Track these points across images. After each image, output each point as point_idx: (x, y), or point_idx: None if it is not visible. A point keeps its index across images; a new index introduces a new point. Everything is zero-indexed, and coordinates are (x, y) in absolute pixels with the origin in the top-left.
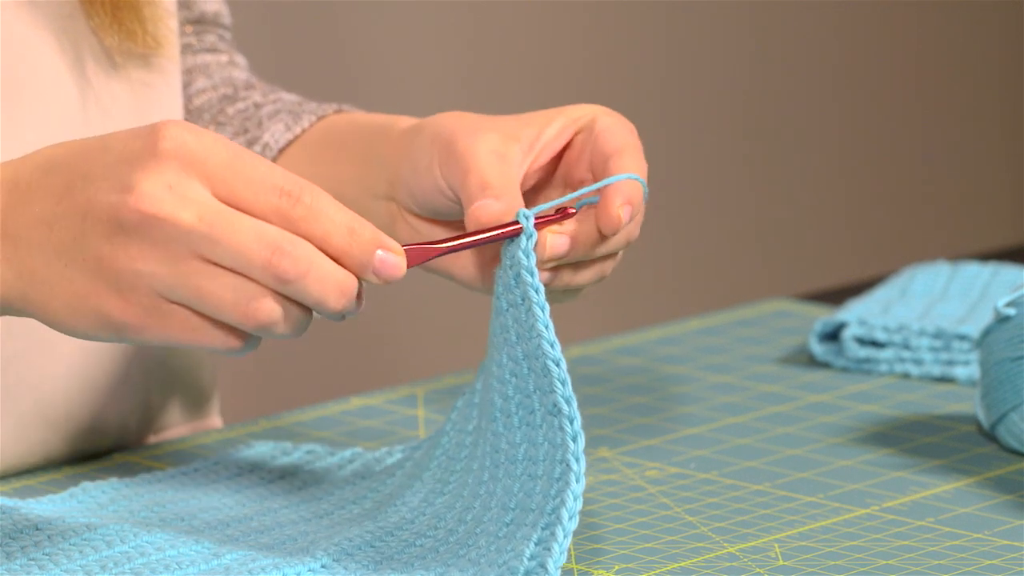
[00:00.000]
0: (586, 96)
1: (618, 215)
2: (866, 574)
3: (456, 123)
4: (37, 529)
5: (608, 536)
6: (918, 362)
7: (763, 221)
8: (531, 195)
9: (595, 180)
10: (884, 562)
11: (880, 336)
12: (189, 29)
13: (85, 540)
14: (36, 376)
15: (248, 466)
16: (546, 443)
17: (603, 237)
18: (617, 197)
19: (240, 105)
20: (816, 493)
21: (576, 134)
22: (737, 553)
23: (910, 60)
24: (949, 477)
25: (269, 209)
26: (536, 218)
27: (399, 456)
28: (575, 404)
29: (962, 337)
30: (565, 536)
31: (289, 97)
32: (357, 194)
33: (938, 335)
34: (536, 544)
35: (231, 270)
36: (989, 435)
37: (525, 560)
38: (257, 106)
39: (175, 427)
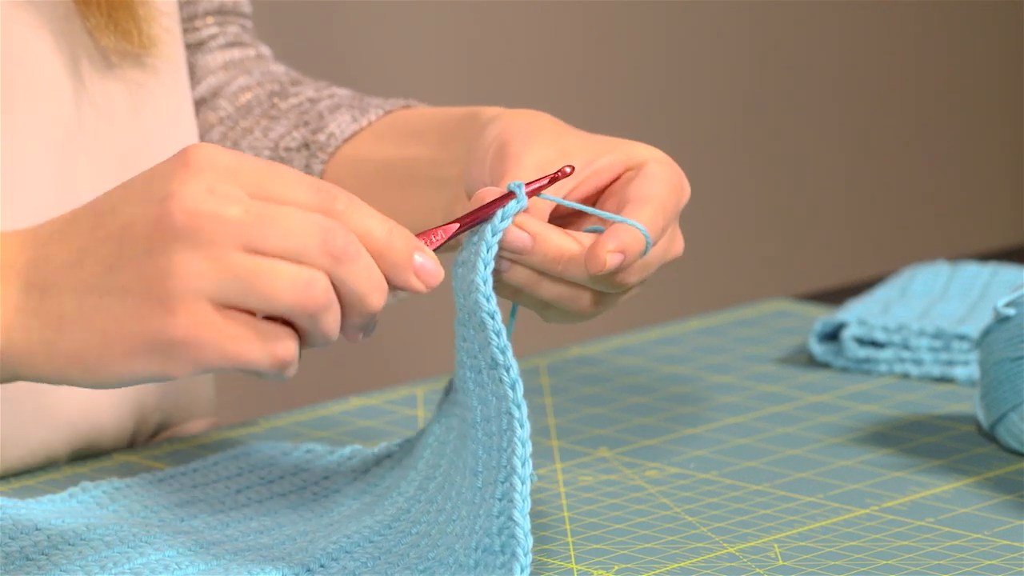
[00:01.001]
0: (586, 96)
1: (604, 259)
2: (866, 574)
3: (520, 126)
4: (37, 529)
5: (608, 536)
6: (918, 362)
7: (763, 221)
8: (569, 220)
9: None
10: (884, 562)
11: (880, 336)
12: (210, 20)
13: (84, 540)
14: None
15: (248, 466)
16: (493, 399)
17: (581, 267)
18: (612, 240)
19: (293, 100)
20: (816, 493)
21: (626, 170)
22: (737, 553)
23: (910, 60)
24: (949, 477)
25: (309, 205)
26: (531, 185)
27: (395, 448)
28: (510, 353)
29: (962, 337)
30: (523, 483)
31: (344, 92)
32: (431, 171)
33: (938, 335)
34: (500, 499)
35: (282, 257)
36: (989, 435)
37: (495, 517)
38: (312, 101)
39: (175, 427)
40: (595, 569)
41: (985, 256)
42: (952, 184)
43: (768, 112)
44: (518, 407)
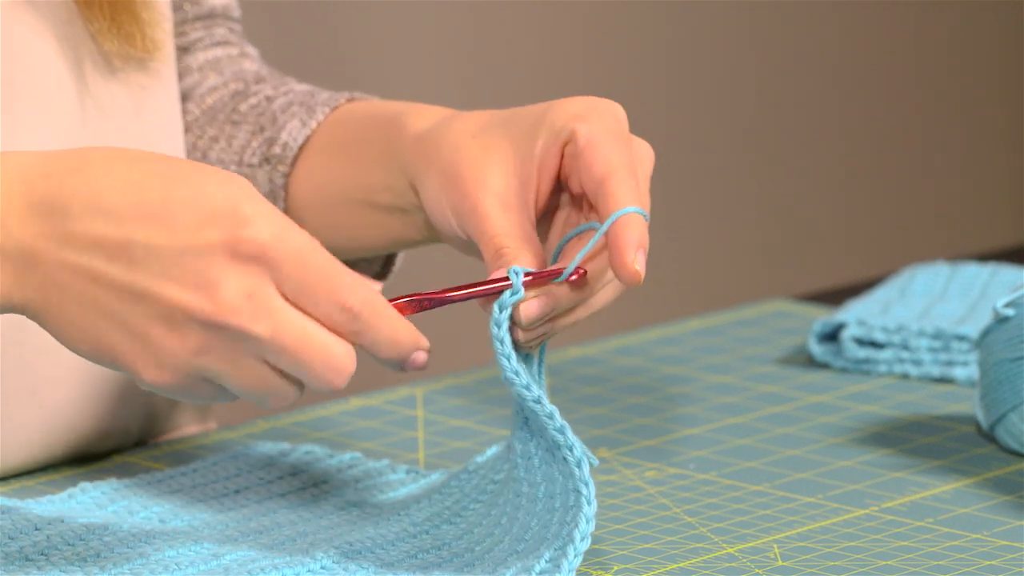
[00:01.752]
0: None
1: (634, 268)
2: (865, 574)
3: (461, 156)
4: (36, 529)
5: (607, 536)
6: (917, 362)
7: (763, 221)
8: (545, 220)
9: (591, 204)
10: (883, 563)
11: (879, 337)
12: (198, 25)
13: (83, 541)
14: (37, 382)
15: (247, 466)
16: (560, 476)
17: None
18: (629, 248)
19: (252, 100)
20: (815, 493)
21: (564, 145)
22: (736, 553)
23: (910, 60)
24: (948, 477)
25: (327, 320)
26: (530, 275)
27: (403, 475)
28: (570, 432)
29: (961, 338)
30: (576, 555)
31: (300, 87)
32: (392, 200)
33: (937, 335)
34: (547, 561)
35: (287, 375)
36: (988, 436)
37: (534, 574)
38: (269, 99)
39: (175, 430)
40: (594, 569)
41: (985, 256)
42: (952, 184)
43: (768, 112)
44: (586, 485)
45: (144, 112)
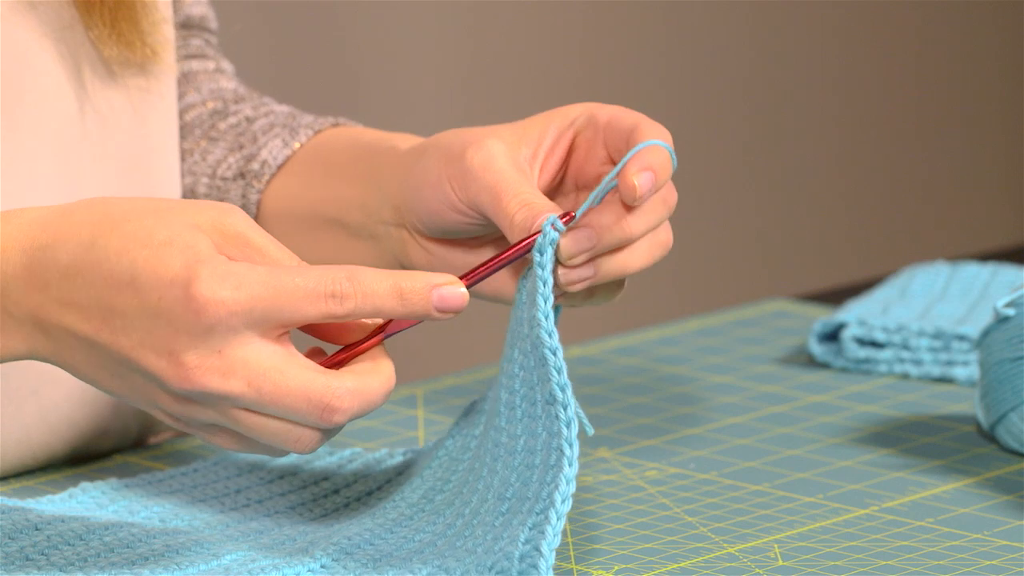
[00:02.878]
0: (585, 96)
1: (633, 183)
2: (865, 574)
3: (460, 139)
4: (36, 529)
5: (607, 536)
6: (917, 362)
7: (762, 221)
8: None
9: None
10: (883, 562)
11: (879, 336)
12: (176, 34)
13: (84, 541)
14: (38, 382)
15: (247, 466)
16: (544, 432)
17: (630, 210)
18: (634, 164)
19: (232, 120)
20: (815, 493)
21: (576, 135)
22: (736, 553)
23: (910, 60)
24: (948, 477)
25: (320, 318)
26: (565, 216)
27: (400, 459)
28: (570, 391)
29: (961, 337)
30: (559, 519)
31: (280, 109)
32: (363, 220)
33: (937, 335)
34: (531, 528)
35: (280, 419)
36: (988, 435)
37: (520, 544)
38: (249, 120)
39: (171, 429)
40: (595, 569)
41: (985, 256)
42: (952, 184)
43: (768, 112)
44: (570, 446)
45: (144, 117)
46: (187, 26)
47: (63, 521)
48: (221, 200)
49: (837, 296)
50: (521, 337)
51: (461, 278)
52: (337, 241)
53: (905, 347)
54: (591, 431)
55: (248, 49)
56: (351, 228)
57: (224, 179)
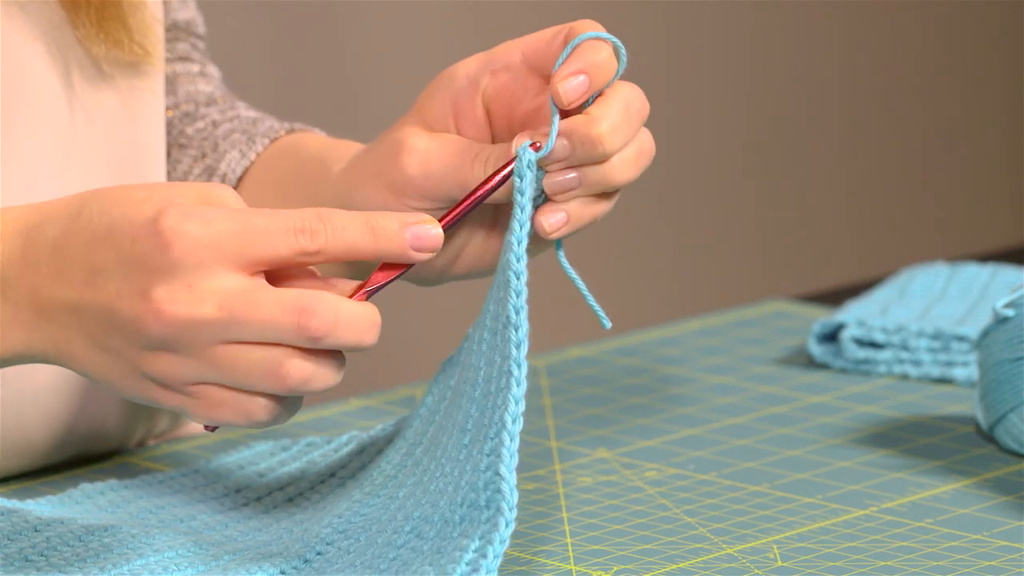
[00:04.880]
0: None
1: (557, 90)
2: (865, 575)
3: (382, 153)
4: (36, 531)
5: (607, 537)
6: (917, 363)
7: (762, 222)
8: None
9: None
10: (883, 563)
11: (879, 337)
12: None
13: (83, 542)
14: (38, 384)
15: (248, 465)
16: (498, 357)
17: (601, 137)
18: (566, 67)
19: (199, 124)
20: (815, 494)
21: (486, 90)
22: (736, 554)
23: (910, 61)
24: (948, 478)
25: (291, 255)
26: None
27: (391, 428)
28: (524, 315)
29: (961, 338)
30: (511, 439)
31: (247, 114)
32: None
33: (937, 336)
34: (488, 455)
35: (260, 343)
36: (988, 436)
37: (482, 472)
38: (215, 124)
39: (174, 430)
40: (594, 570)
41: (984, 257)
42: (951, 185)
43: (768, 113)
44: (518, 366)
45: (135, 117)
46: (174, 30)
47: (62, 522)
48: None
49: (837, 296)
50: (499, 270)
51: (442, 220)
52: None
53: (904, 348)
54: (608, 324)
55: (243, 54)
56: None
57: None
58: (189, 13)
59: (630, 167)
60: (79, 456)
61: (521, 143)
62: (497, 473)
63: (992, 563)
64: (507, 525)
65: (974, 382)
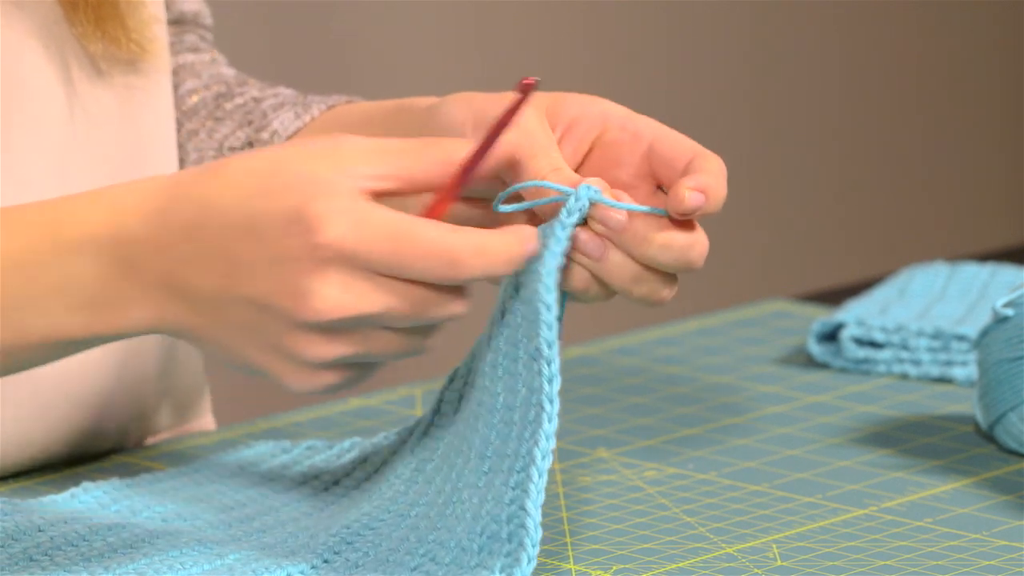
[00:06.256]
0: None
1: (683, 195)
2: (864, 574)
3: (485, 95)
4: (39, 530)
5: (606, 536)
6: (916, 362)
7: (762, 222)
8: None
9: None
10: (882, 563)
11: (878, 337)
12: (168, 31)
13: (87, 541)
14: (36, 380)
15: (248, 465)
16: (524, 388)
17: (651, 242)
18: (692, 180)
19: (238, 100)
20: (814, 493)
21: (601, 134)
22: (735, 553)
23: (910, 60)
24: (947, 477)
25: (436, 280)
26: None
27: (394, 438)
28: (556, 349)
29: (960, 337)
30: (540, 476)
31: (288, 91)
32: None
33: (936, 335)
34: (514, 488)
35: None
36: (987, 436)
37: (505, 505)
38: (257, 100)
39: (173, 429)
40: (593, 570)
41: (984, 256)
42: (951, 184)
43: (767, 112)
44: (550, 401)
45: (134, 116)
46: (180, 22)
47: (66, 522)
48: None
49: (836, 296)
50: (509, 296)
51: (459, 180)
52: None
53: (904, 347)
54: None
55: (242, 48)
56: None
57: (232, 150)
58: (196, 5)
59: (636, 286)
60: (76, 455)
61: (587, 183)
62: (522, 508)
63: (991, 563)
64: (529, 562)
65: (973, 382)
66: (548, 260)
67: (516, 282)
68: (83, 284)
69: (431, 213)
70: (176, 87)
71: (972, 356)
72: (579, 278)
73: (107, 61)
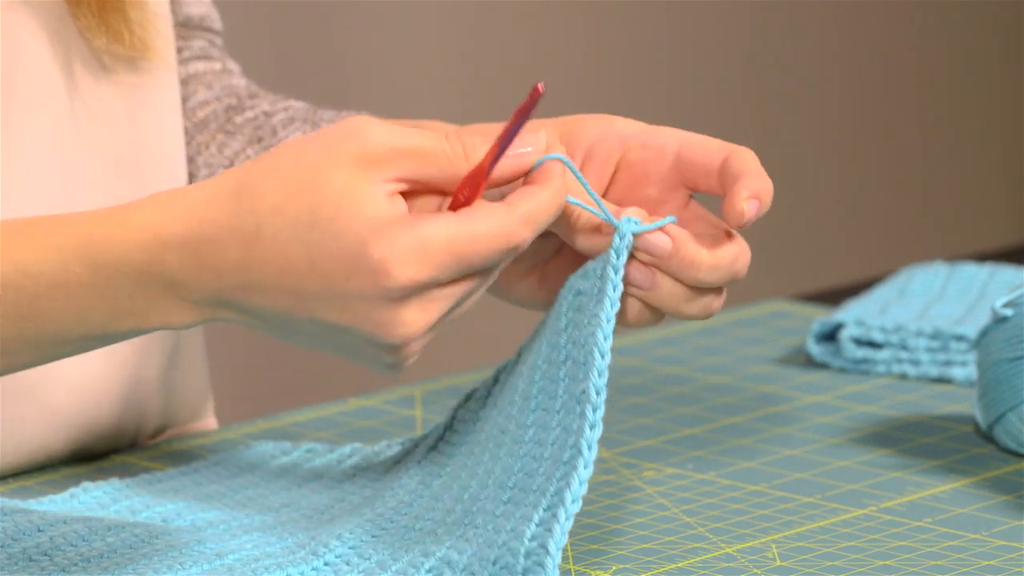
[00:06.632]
0: (585, 97)
1: (742, 208)
2: (864, 574)
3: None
4: (39, 531)
5: (605, 537)
6: (915, 362)
7: (761, 221)
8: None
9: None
10: (882, 563)
11: (878, 337)
12: (178, 33)
13: (87, 541)
14: (35, 379)
15: (248, 466)
16: (559, 428)
17: (700, 266)
18: (743, 189)
19: (248, 114)
20: (814, 493)
21: (626, 153)
22: (735, 553)
23: (909, 60)
24: (947, 478)
25: (500, 259)
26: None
27: (398, 449)
28: (603, 396)
29: (960, 338)
30: (567, 519)
31: (299, 104)
32: None
33: (936, 335)
34: (538, 525)
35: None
36: (987, 436)
37: (526, 540)
38: (267, 115)
39: (173, 429)
40: (593, 569)
41: (983, 256)
42: (950, 185)
43: (766, 112)
44: (589, 447)
45: (137, 113)
46: (187, 26)
47: (66, 522)
48: None
49: (835, 296)
50: (555, 331)
51: (476, 177)
52: None
53: (903, 347)
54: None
55: (242, 51)
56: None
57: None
58: (202, 8)
59: (687, 304)
60: (76, 454)
61: (627, 216)
62: (543, 546)
63: (991, 562)
64: None
65: (973, 382)
66: (607, 307)
67: (566, 321)
68: (123, 298)
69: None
70: (187, 98)
71: (971, 356)
72: (632, 310)
73: (111, 57)
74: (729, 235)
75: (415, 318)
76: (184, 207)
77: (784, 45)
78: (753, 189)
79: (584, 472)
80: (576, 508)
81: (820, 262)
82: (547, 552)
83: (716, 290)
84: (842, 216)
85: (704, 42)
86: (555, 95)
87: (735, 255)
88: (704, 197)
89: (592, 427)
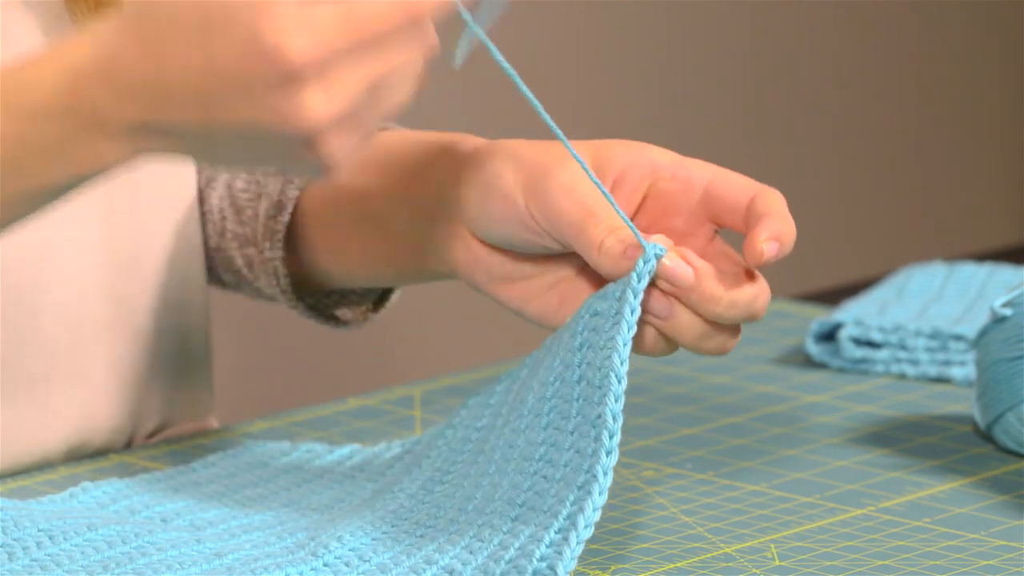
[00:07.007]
0: (585, 98)
1: (761, 249)
2: (863, 574)
3: (539, 156)
4: (39, 530)
5: (604, 536)
6: (914, 362)
7: None
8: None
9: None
10: (880, 562)
11: (876, 336)
12: None
13: (87, 540)
14: (33, 377)
15: (247, 466)
16: (572, 450)
17: (718, 301)
18: (765, 229)
19: None
20: (812, 493)
21: (655, 182)
22: (733, 553)
23: (909, 60)
24: (946, 477)
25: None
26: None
27: (399, 450)
28: (619, 423)
29: (958, 337)
30: (578, 543)
31: None
32: (407, 215)
33: (934, 335)
34: (548, 547)
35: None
36: (985, 435)
37: (535, 560)
38: None
39: (171, 428)
40: (592, 569)
41: (982, 256)
42: (949, 184)
43: (766, 112)
44: (605, 473)
45: None
46: None
47: (64, 522)
48: (258, 194)
49: (834, 296)
50: (569, 349)
51: None
52: (377, 236)
53: (902, 347)
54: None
55: None
56: (393, 223)
57: (265, 173)
58: None
59: (698, 338)
60: (73, 452)
61: (655, 243)
62: (552, 568)
63: (990, 562)
64: None
65: (972, 381)
66: (624, 330)
67: (581, 340)
68: (52, 143)
69: None
70: None
71: (970, 356)
72: (648, 338)
73: None
74: (750, 275)
75: (319, 102)
76: (91, 38)
77: (784, 46)
78: (775, 230)
79: (599, 499)
80: (588, 534)
81: (819, 262)
82: (555, 573)
83: (732, 329)
84: (841, 216)
85: (704, 42)
86: (555, 95)
87: (755, 295)
88: (729, 235)
89: (608, 453)
